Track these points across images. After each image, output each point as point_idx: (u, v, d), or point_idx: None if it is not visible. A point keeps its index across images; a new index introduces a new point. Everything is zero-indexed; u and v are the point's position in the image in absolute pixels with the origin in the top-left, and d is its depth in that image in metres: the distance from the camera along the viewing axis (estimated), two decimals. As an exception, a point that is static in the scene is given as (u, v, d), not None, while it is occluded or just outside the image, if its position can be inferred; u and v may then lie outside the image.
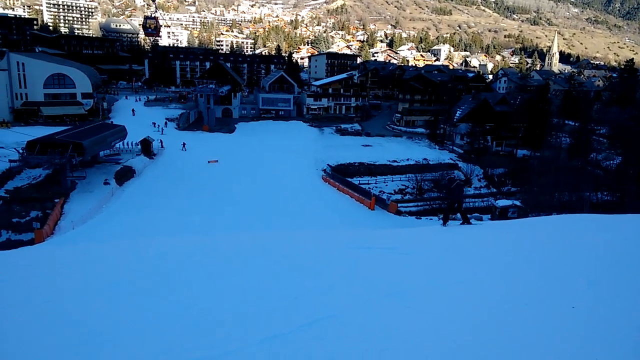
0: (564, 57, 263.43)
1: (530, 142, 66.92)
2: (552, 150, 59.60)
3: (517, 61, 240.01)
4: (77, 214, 33.63)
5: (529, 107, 72.21)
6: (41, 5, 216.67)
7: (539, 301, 4.73)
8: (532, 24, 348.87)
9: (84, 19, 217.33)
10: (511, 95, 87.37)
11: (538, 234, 8.76)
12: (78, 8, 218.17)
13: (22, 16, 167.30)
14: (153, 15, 20.13)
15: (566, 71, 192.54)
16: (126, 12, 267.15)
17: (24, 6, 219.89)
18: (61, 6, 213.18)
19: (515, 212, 37.22)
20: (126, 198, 38.75)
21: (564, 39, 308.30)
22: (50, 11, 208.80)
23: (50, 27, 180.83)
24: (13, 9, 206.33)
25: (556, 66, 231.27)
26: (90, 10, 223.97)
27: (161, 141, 56.33)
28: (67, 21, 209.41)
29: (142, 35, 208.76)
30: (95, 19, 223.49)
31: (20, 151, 40.01)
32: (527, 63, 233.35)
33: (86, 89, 69.66)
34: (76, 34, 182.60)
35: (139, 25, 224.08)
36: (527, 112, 71.19)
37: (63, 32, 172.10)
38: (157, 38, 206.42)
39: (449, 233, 9.88)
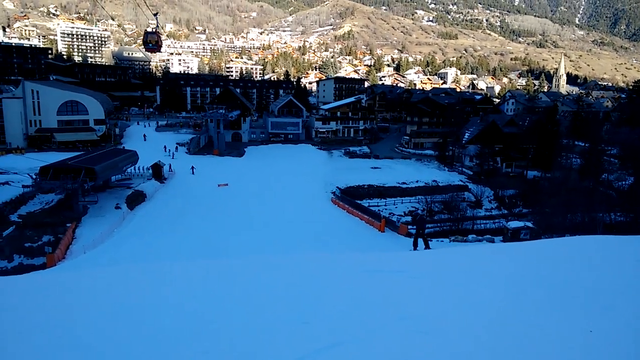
0: (571, 79, 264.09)
1: (540, 163, 66.57)
2: (563, 171, 59.25)
3: (524, 83, 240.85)
4: (89, 238, 33.80)
5: (538, 129, 72.11)
6: (56, 35, 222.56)
7: (553, 325, 4.66)
8: (538, 47, 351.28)
9: (97, 48, 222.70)
10: (519, 117, 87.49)
11: (552, 256, 8.66)
12: (91, 37, 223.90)
13: (37, 46, 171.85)
14: (154, 30, 19.74)
15: (574, 92, 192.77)
16: (138, 41, 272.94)
17: (39, 36, 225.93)
18: (75, 36, 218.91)
19: (528, 234, 36.75)
20: (137, 222, 38.95)
21: (570, 60, 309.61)
22: (65, 40, 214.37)
23: (64, 56, 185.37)
24: (28, 39, 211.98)
25: (564, 88, 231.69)
26: (103, 39, 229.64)
27: (170, 165, 56.74)
28: (80, 50, 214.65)
29: (153, 63, 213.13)
30: (108, 47, 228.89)
31: (34, 177, 40.57)
32: (535, 85, 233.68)
33: (99, 115, 70.92)
34: (89, 62, 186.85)
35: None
36: (536, 133, 71.06)
37: (77, 61, 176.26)
38: (168, 66, 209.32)
39: (460, 255, 9.80)
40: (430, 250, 16.23)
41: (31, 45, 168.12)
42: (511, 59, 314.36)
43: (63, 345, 4.89)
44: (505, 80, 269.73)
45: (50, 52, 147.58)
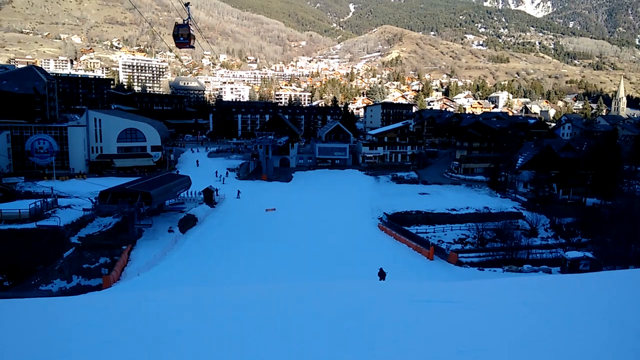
0: (632, 102, 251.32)
1: (600, 190, 63.20)
2: (625, 199, 55.96)
3: (580, 107, 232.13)
4: (143, 261, 34.93)
5: (597, 154, 68.73)
6: (118, 66, 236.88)
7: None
8: (595, 69, 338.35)
9: (155, 78, 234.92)
10: (576, 142, 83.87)
11: (617, 289, 8.11)
12: (150, 68, 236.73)
13: (101, 77, 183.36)
14: (185, 22, 18.25)
15: (635, 116, 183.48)
16: (193, 71, 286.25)
17: (102, 68, 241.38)
18: (135, 67, 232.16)
19: (588, 265, 34.77)
20: (188, 245, 39.98)
21: (630, 83, 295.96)
22: (126, 71, 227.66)
23: (125, 86, 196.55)
24: (93, 70, 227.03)
25: (624, 111, 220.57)
26: (161, 69, 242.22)
27: (216, 190, 57.38)
28: (140, 80, 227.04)
29: (207, 92, 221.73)
30: (166, 77, 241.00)
31: (94, 200, 42.63)
32: (592, 108, 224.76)
33: (155, 142, 74.20)
34: (148, 91, 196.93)
35: (205, 82, 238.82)
36: (595, 158, 67.72)
37: (136, 90, 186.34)
38: (221, 94, 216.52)
39: (516, 286, 9.36)
40: (486, 280, 15.72)
41: (95, 76, 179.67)
42: (566, 82, 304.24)
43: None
44: (560, 103, 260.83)
45: (112, 82, 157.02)
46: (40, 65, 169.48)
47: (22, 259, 35.64)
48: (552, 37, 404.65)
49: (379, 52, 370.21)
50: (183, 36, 21.32)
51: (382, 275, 28.19)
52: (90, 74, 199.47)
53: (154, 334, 6.29)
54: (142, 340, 5.99)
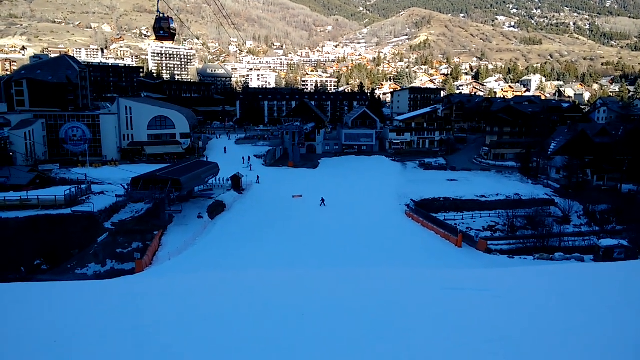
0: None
1: (636, 176, 61.09)
2: (664, 185, 54.03)
3: (617, 90, 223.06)
4: (174, 246, 35.74)
5: (634, 138, 66.33)
6: (147, 54, 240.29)
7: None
8: (633, 50, 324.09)
9: (183, 66, 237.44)
10: (612, 126, 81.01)
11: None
12: (178, 56, 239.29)
13: (131, 65, 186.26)
14: (166, 16, 17.38)
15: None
16: (220, 58, 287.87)
17: (132, 56, 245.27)
18: (164, 55, 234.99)
19: (623, 253, 33.77)
20: (217, 231, 40.61)
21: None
22: (155, 60, 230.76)
23: (154, 74, 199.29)
24: (123, 59, 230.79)
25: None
26: (189, 57, 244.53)
27: (242, 177, 57.63)
28: (168, 68, 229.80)
29: (234, 79, 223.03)
30: (193, 65, 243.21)
31: (126, 187, 43.66)
32: (630, 91, 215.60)
33: (184, 129, 75.26)
34: (176, 79, 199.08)
35: (232, 69, 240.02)
36: (631, 143, 65.36)
37: (165, 78, 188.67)
38: (247, 81, 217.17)
39: (549, 274, 9.19)
40: (516, 268, 15.50)
41: (125, 64, 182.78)
42: (602, 64, 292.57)
43: (148, 345, 5.17)
44: (595, 86, 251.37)
45: (141, 70, 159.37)
46: (72, 55, 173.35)
47: (58, 243, 36.92)
48: (587, 17, 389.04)
49: (406, 35, 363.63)
50: (163, 29, 21.26)
51: (322, 201, 45.33)
52: (120, 62, 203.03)
53: (185, 317, 6.46)
54: (173, 322, 6.17)
